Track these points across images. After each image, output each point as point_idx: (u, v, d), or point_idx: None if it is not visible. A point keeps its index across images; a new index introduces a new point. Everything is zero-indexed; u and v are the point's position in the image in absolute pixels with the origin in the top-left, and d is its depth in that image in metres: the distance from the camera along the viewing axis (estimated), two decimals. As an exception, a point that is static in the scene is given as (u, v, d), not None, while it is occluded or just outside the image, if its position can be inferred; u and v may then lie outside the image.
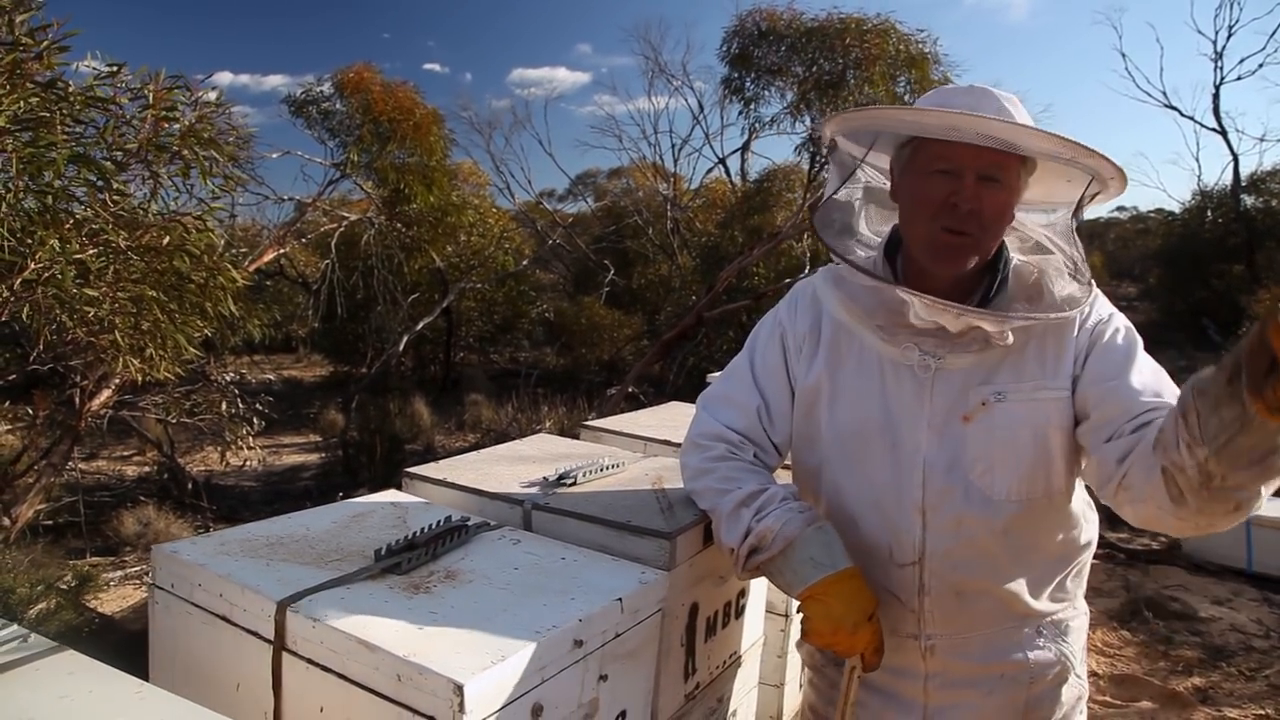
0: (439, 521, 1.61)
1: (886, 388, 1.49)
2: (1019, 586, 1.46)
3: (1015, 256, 1.53)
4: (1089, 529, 1.54)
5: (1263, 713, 3.60)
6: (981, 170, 1.38)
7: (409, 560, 1.46)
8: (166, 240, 3.19)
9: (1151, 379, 1.40)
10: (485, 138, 17.04)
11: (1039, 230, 1.59)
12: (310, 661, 1.27)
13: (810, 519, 1.46)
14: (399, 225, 11.05)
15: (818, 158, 11.36)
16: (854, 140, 1.59)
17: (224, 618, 1.39)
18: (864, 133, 1.57)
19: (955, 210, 1.39)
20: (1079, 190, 1.48)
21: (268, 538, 1.58)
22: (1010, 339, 1.42)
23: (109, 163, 2.87)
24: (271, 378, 13.36)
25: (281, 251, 10.38)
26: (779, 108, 12.22)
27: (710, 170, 17.20)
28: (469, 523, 1.64)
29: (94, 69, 2.85)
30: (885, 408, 1.49)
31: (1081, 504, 1.51)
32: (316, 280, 12.02)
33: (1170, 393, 1.37)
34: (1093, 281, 1.47)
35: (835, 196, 1.62)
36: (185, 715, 1.06)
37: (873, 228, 1.68)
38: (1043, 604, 1.50)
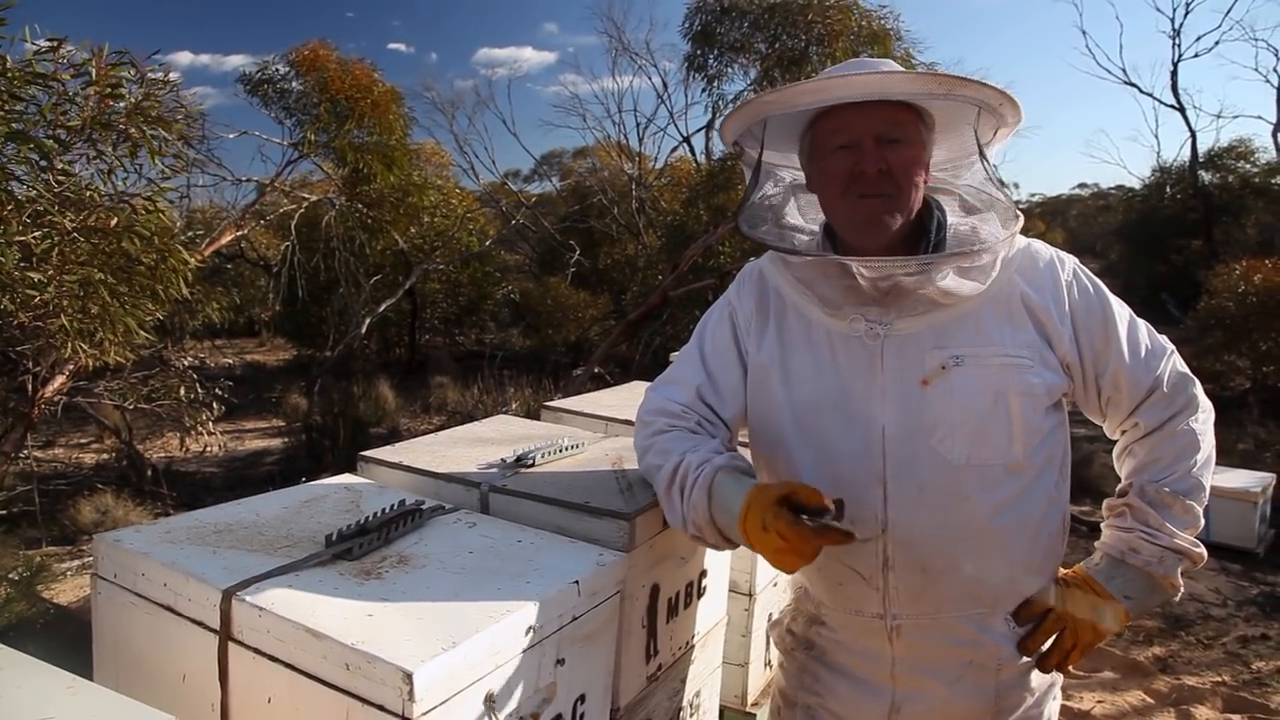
0: (392, 505, 1.57)
1: (837, 361, 1.47)
2: (987, 564, 1.44)
3: (951, 219, 1.52)
4: (1059, 505, 1.50)
5: (1220, 680, 3.67)
6: (878, 133, 1.40)
7: (360, 545, 1.43)
8: (115, 221, 3.11)
9: (1139, 349, 1.48)
10: (448, 118, 16.87)
11: (965, 187, 1.58)
12: (257, 651, 1.23)
13: (708, 482, 1.43)
14: (360, 206, 10.89)
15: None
16: (754, 137, 1.59)
17: (168, 608, 1.34)
18: (758, 126, 1.57)
19: (864, 176, 1.40)
20: (986, 135, 1.50)
21: (215, 524, 1.53)
22: (940, 282, 1.40)
23: (51, 141, 2.78)
24: (232, 362, 13.18)
25: (241, 234, 10.21)
26: (743, 85, 12.14)
27: (675, 149, 17.17)
28: (423, 506, 1.61)
29: (36, 46, 2.76)
30: (838, 381, 1.47)
31: (1050, 480, 1.47)
32: (277, 263, 11.84)
33: (1150, 353, 1.48)
34: (1019, 215, 1.46)
35: (759, 199, 1.62)
36: (116, 709, 1.02)
37: (807, 218, 1.67)
38: (1013, 587, 1.47)
